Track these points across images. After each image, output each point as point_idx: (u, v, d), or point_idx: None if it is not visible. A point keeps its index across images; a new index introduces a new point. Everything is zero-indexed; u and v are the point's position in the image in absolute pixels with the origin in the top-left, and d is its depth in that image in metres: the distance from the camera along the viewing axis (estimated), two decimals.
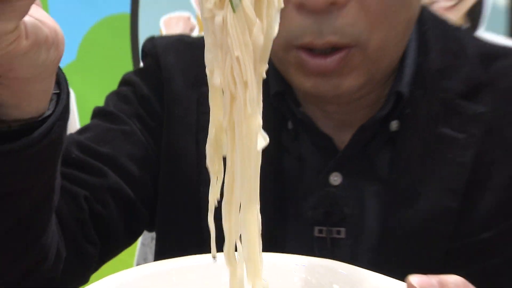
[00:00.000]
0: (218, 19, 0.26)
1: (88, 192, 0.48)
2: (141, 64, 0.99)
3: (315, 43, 0.42)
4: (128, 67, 1.45)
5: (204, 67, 0.30)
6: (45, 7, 1.23)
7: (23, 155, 0.32)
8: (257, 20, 0.26)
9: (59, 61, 0.32)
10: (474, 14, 1.00)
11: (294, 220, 0.51)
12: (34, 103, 0.33)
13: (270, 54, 0.30)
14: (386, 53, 0.45)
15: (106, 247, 0.52)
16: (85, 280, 0.51)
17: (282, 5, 0.27)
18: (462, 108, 0.48)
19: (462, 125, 0.48)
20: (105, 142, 0.52)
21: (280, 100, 0.50)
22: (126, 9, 1.45)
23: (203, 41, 0.30)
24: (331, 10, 0.41)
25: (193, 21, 1.40)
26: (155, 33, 1.39)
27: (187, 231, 0.53)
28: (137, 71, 0.61)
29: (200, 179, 0.51)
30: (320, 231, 0.50)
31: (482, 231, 0.48)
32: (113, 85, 1.08)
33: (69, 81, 0.44)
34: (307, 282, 0.39)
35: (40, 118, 0.33)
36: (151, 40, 0.59)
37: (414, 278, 0.30)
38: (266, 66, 0.28)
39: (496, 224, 0.48)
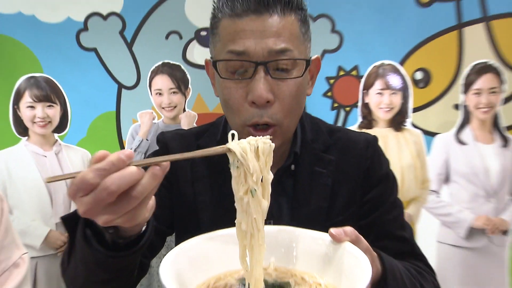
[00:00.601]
0: (245, 199, 0.49)
1: None
2: (136, 141, 1.80)
3: (259, 122, 0.65)
4: (115, 141, 2.23)
5: (190, 147, 0.65)
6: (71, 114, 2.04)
7: (135, 253, 0.54)
8: (264, 200, 0.49)
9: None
10: None
11: None
12: (140, 228, 0.54)
13: (233, 128, 0.63)
14: (291, 129, 0.70)
15: (152, 254, 0.76)
16: (145, 273, 0.75)
17: (271, 177, 0.50)
18: (323, 157, 0.74)
19: (324, 166, 0.74)
20: None
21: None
22: (113, 108, 2.24)
23: (189, 131, 0.73)
24: (267, 105, 0.64)
25: (154, 114, 2.17)
26: (130, 123, 2.25)
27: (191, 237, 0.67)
28: (154, 152, 0.81)
29: (197, 208, 0.74)
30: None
31: (338, 216, 0.73)
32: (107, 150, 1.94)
33: (83, 147, 1.30)
34: (278, 240, 0.57)
35: (140, 233, 0.54)
36: (162, 134, 0.81)
37: (331, 229, 0.54)
38: (265, 217, 0.49)
39: (344, 213, 0.73)
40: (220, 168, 0.71)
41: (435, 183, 2.05)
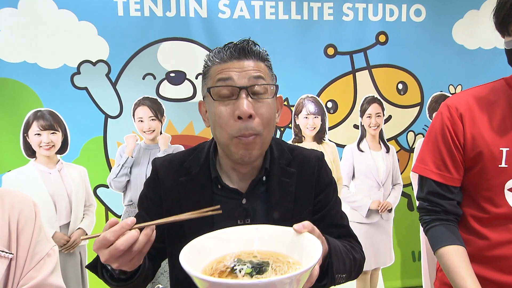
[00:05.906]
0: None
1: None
2: (124, 158, 2.27)
3: (245, 133, 0.73)
4: (103, 160, 2.53)
5: (176, 171, 0.81)
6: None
7: (133, 283, 0.70)
8: None
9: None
10: None
11: (230, 219, 0.81)
12: (138, 264, 0.65)
13: (222, 141, 0.75)
14: (268, 140, 0.78)
15: (161, 259, 0.90)
16: (157, 269, 0.89)
17: None
18: (287, 170, 0.83)
19: (288, 176, 0.83)
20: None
21: (216, 178, 0.82)
22: (101, 134, 2.53)
23: (177, 156, 0.82)
24: (249, 120, 0.71)
25: (137, 136, 2.42)
26: (115, 145, 2.54)
27: (180, 249, 0.70)
28: (147, 180, 0.88)
29: (183, 223, 0.80)
30: (241, 221, 0.82)
31: (300, 214, 0.82)
32: (96, 168, 2.36)
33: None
34: (259, 234, 0.66)
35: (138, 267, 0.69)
36: (154, 161, 0.88)
37: (294, 225, 0.62)
38: None
39: (304, 211, 0.83)
40: (202, 189, 0.85)
41: (345, 179, 2.53)
